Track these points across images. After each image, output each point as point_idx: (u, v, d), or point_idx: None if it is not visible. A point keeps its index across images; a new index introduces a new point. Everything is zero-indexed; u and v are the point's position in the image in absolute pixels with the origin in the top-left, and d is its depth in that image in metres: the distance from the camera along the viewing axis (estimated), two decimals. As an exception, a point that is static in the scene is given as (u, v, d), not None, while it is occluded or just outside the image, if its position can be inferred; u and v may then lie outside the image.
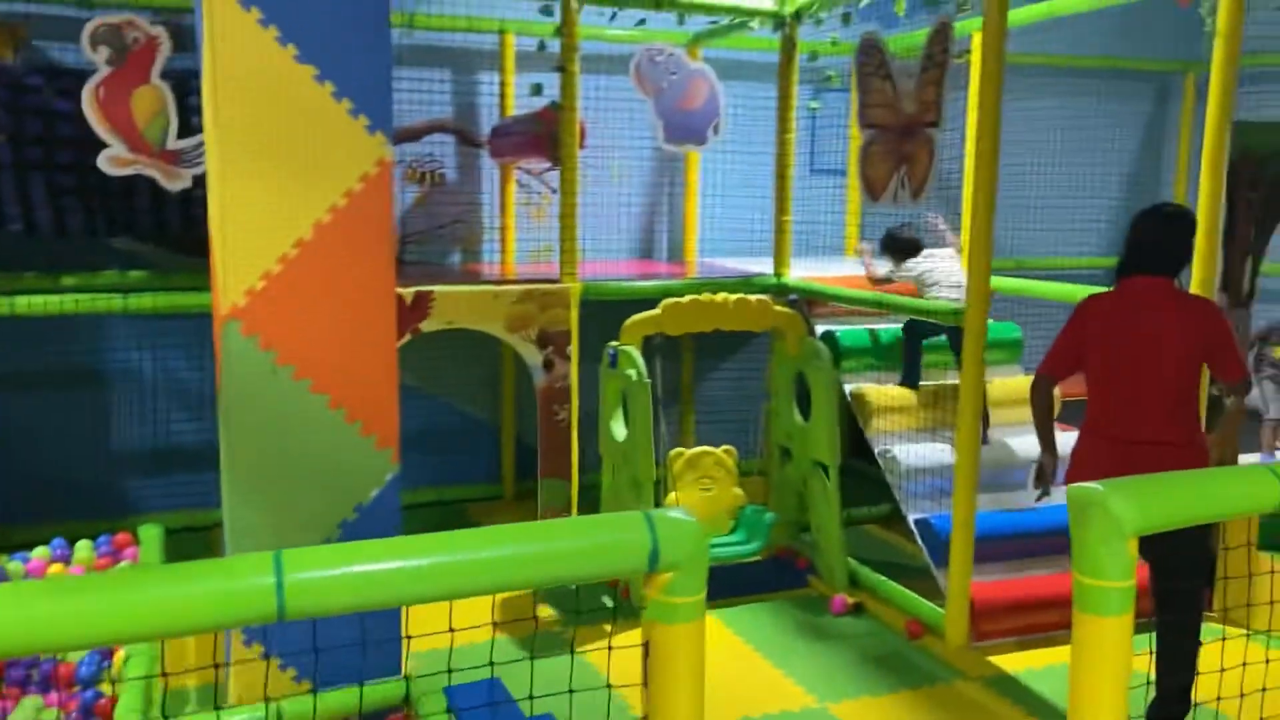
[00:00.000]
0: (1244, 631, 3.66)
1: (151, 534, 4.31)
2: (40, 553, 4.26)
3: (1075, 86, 6.93)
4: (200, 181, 4.03)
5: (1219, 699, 2.31)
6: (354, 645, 2.52)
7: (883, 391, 4.90)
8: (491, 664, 2.16)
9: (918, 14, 4.56)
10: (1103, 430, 3.32)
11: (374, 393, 3.14)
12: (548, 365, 4.77)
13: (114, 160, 4.21)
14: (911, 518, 4.51)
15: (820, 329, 5.11)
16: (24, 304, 4.15)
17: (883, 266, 4.92)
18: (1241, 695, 2.29)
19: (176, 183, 4.35)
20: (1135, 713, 1.96)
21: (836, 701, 3.71)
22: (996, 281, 5.58)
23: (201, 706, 3.55)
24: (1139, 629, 1.81)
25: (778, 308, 4.68)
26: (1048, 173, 6.97)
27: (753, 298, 4.60)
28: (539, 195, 5.73)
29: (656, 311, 4.46)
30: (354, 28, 2.98)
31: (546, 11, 4.61)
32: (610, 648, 1.82)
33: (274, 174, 2.94)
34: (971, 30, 5.28)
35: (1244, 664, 2.28)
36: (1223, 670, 2.25)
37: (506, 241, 5.75)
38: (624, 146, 5.79)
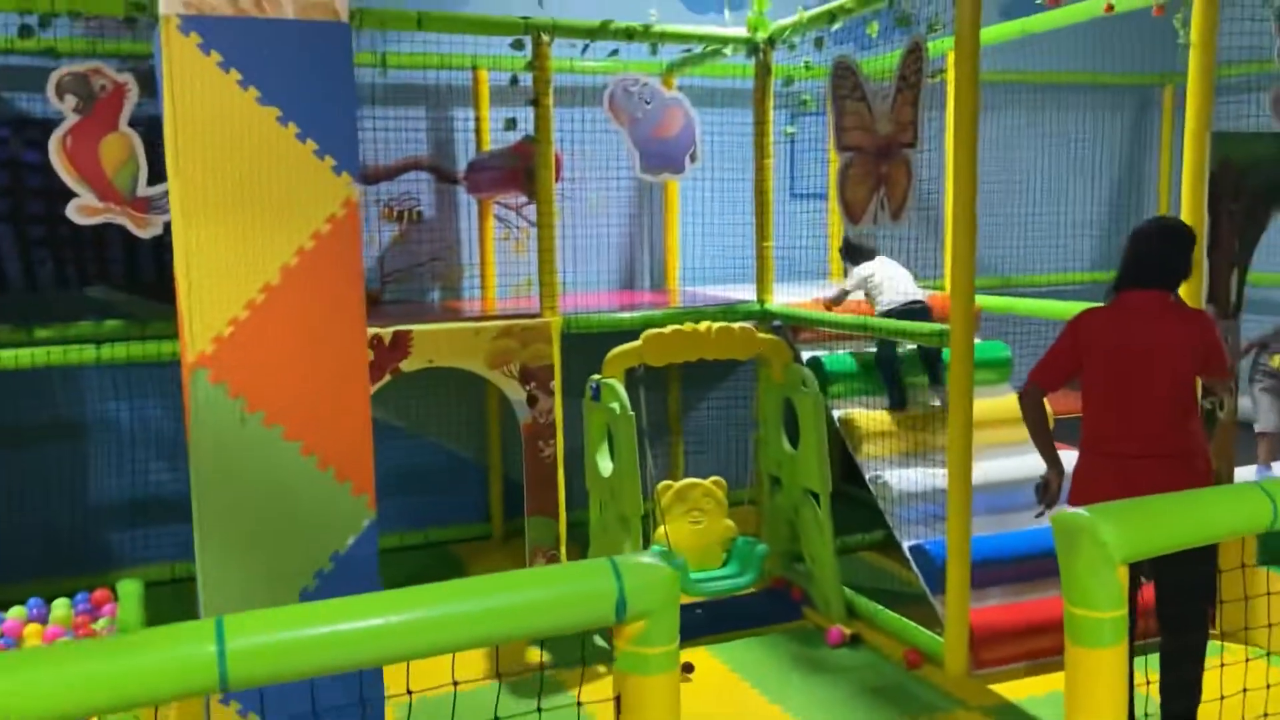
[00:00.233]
0: (1252, 653, 3.58)
1: (130, 590, 4.21)
2: (16, 613, 4.16)
3: (1056, 101, 6.94)
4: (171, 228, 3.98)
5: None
6: (334, 688, 2.43)
7: (872, 416, 4.83)
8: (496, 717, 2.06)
9: (890, 36, 4.54)
10: (1103, 447, 3.26)
11: (348, 438, 3.06)
12: (531, 401, 4.70)
13: (83, 209, 4.15)
14: (906, 544, 4.43)
15: (806, 355, 5.05)
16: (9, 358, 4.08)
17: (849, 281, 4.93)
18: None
19: (148, 230, 4.29)
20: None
21: (835, 737, 3.63)
22: (983, 300, 5.57)
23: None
24: (1143, 650, 1.74)
25: (761, 335, 4.62)
26: (1032, 189, 6.96)
27: (735, 326, 4.55)
28: (518, 229, 5.69)
29: (638, 343, 4.40)
30: (317, 68, 2.93)
31: (518, 46, 4.59)
32: (581, 703, 1.74)
33: (238, 218, 2.88)
34: (946, 50, 5.26)
35: (1244, 690, 2.21)
36: (1222, 697, 2.18)
37: (487, 277, 5.70)
38: (602, 177, 5.76)
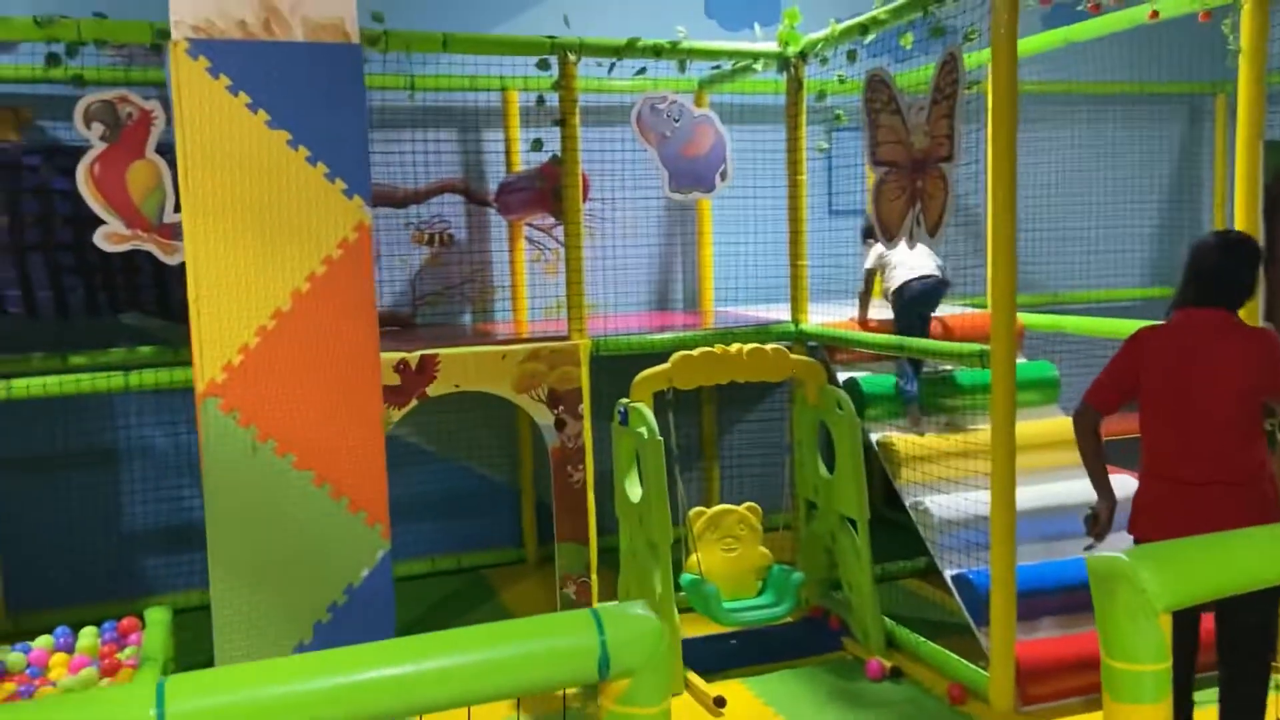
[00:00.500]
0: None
1: (157, 618, 4.17)
2: (43, 642, 4.14)
3: (1104, 113, 6.73)
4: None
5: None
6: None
7: (911, 440, 4.66)
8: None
9: (926, 47, 4.40)
10: (1163, 472, 3.10)
11: (361, 467, 3.00)
12: (560, 425, 4.61)
13: (110, 236, 4.14)
14: (948, 573, 4.26)
15: (843, 376, 4.90)
16: (21, 387, 4.07)
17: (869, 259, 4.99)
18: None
19: (174, 256, 4.26)
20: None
21: (872, 777, 3.47)
22: (1028, 318, 5.38)
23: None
24: (1205, 684, 1.59)
25: (794, 356, 4.49)
26: (1081, 203, 6.75)
27: (768, 347, 4.42)
28: (550, 251, 5.63)
29: (666, 366, 4.29)
30: (328, 90, 2.89)
31: (543, 66, 4.52)
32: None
33: (249, 243, 2.84)
34: (986, 61, 5.12)
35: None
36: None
37: (518, 299, 5.63)
38: (633, 197, 5.67)
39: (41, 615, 4.83)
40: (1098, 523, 3.30)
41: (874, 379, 4.87)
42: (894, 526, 5.40)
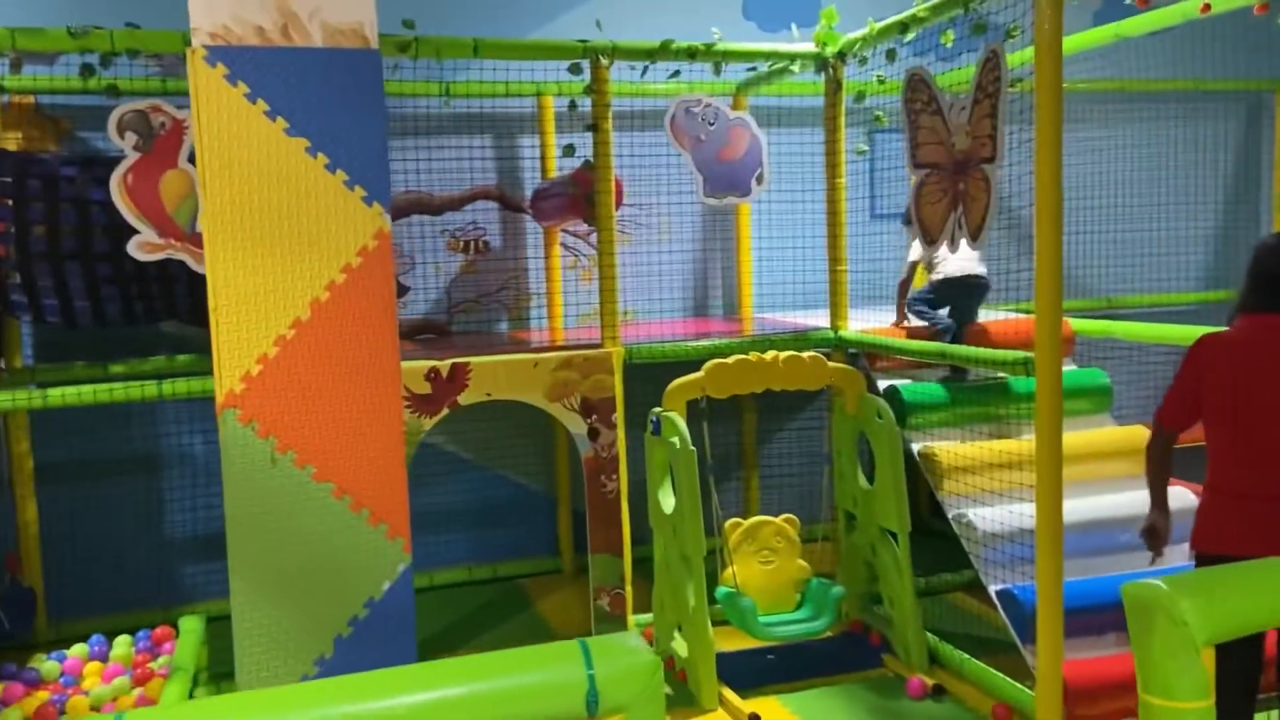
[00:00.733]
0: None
1: (191, 626, 4.17)
2: (78, 650, 4.17)
3: (1159, 111, 6.52)
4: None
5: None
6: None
7: (954, 450, 4.52)
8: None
9: (967, 45, 4.27)
10: (1230, 487, 2.95)
11: (382, 479, 2.95)
12: (593, 434, 4.55)
13: (144, 245, 4.15)
14: (993, 589, 4.11)
15: (883, 384, 4.77)
16: (57, 396, 4.10)
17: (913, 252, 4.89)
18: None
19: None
20: None
21: (911, 801, 3.34)
22: (1078, 324, 5.20)
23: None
24: (1267, 704, 1.46)
25: (833, 364, 4.37)
26: (1135, 205, 6.54)
27: (805, 355, 4.31)
28: (586, 257, 5.57)
29: (700, 374, 4.20)
30: (347, 97, 2.85)
31: (575, 70, 4.46)
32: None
33: (268, 252, 2.81)
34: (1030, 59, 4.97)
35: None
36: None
37: (554, 306, 5.58)
38: (669, 202, 5.60)
39: (82, 623, 4.86)
40: (1156, 536, 3.16)
41: (915, 387, 4.73)
42: (940, 537, 5.25)
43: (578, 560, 5.67)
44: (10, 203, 4.25)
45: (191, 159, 4.26)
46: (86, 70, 4.14)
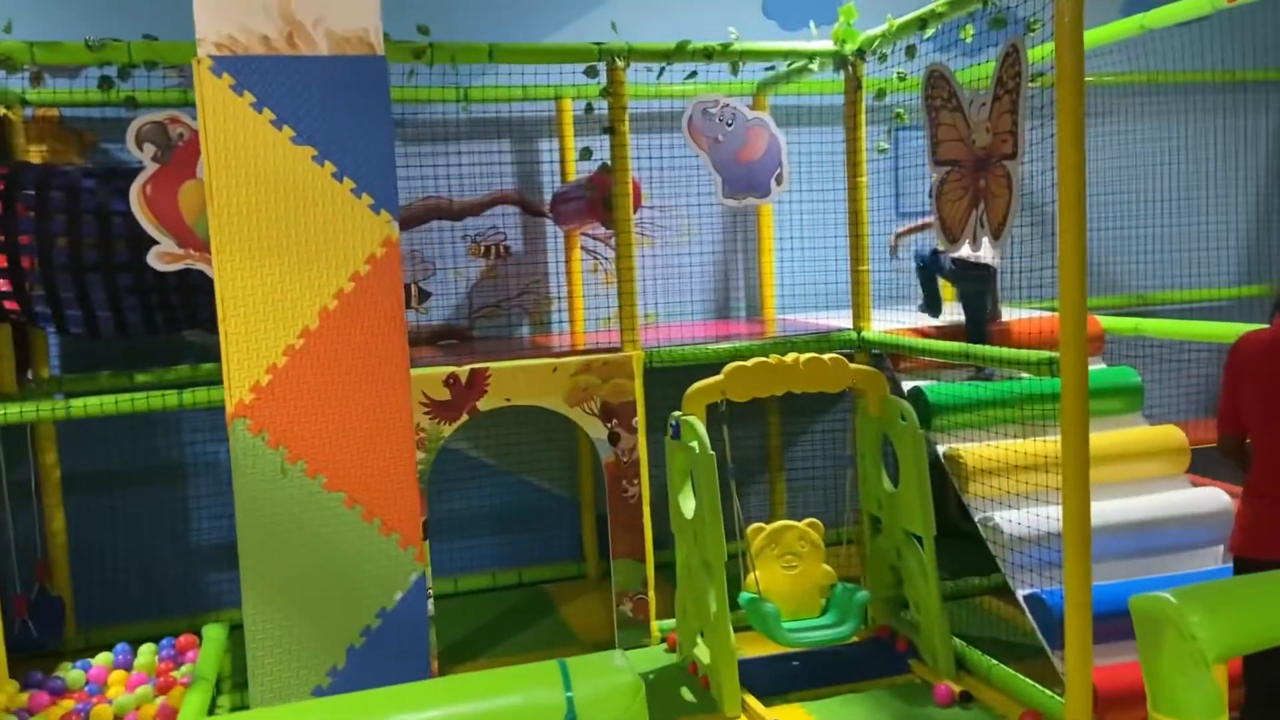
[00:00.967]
0: None
1: (214, 634, 4.19)
2: (103, 659, 4.20)
3: (1192, 104, 6.38)
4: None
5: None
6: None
7: (980, 452, 4.44)
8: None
9: (988, 39, 4.19)
10: (1265, 489, 2.87)
11: (393, 488, 2.93)
12: (613, 439, 4.52)
13: (163, 256, 4.17)
14: (1020, 593, 4.03)
15: (907, 385, 4.70)
16: (79, 406, 4.12)
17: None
18: None
19: (227, 274, 4.29)
20: None
21: (937, 811, 3.28)
22: (1108, 321, 5.09)
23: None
24: None
25: (855, 365, 4.31)
26: (1167, 199, 6.40)
27: (826, 356, 4.25)
28: (607, 261, 5.54)
29: (720, 377, 4.15)
30: (353, 104, 2.84)
31: (591, 73, 4.44)
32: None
33: (275, 261, 2.80)
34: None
35: None
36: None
37: (575, 310, 5.55)
38: (690, 204, 5.55)
39: (111, 630, 4.90)
40: None
41: (940, 388, 4.65)
42: (968, 539, 5.15)
43: (602, 565, 5.64)
44: (33, 215, 4.29)
45: (209, 169, 4.29)
46: (105, 83, 4.17)
